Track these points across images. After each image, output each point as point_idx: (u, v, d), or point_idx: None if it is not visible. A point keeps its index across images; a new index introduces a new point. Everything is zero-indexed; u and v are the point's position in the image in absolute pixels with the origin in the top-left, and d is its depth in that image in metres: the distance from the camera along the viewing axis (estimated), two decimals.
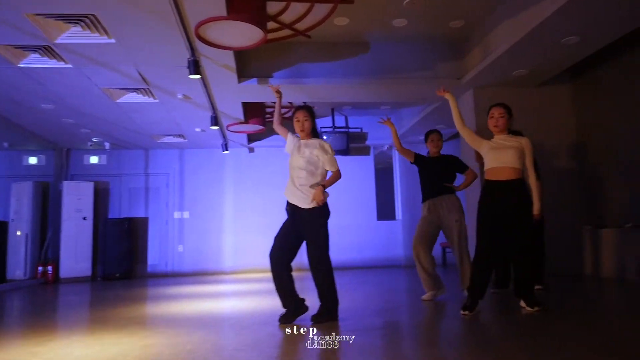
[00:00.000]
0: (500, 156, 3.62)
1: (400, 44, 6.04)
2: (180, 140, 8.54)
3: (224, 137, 8.30)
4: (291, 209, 3.46)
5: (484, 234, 3.59)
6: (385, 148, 9.84)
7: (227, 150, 8.46)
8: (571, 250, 5.98)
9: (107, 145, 8.56)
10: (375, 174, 9.73)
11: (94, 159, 9.05)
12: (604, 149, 6.07)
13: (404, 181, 9.58)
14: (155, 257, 9.00)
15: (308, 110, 3.52)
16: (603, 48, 5.21)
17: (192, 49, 4.57)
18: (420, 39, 5.98)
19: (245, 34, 4.33)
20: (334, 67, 6.05)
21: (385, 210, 9.80)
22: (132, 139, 8.36)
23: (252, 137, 8.97)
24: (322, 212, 3.41)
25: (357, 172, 9.56)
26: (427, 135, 4.71)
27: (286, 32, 5.15)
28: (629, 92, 5.74)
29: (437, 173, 4.54)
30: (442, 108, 7.18)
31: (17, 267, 8.12)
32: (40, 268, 8.16)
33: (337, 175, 3.48)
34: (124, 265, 8.47)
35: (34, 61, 4.84)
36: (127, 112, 6.67)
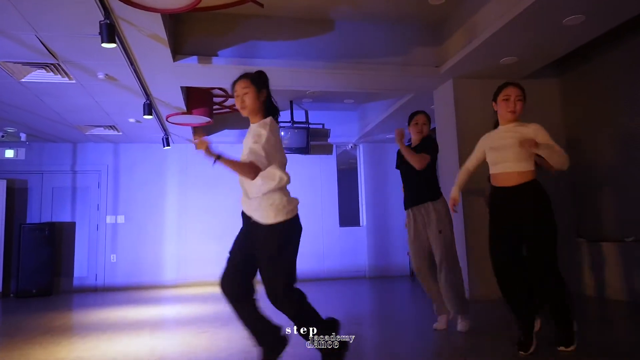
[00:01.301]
0: (499, 158, 2.84)
1: (370, 24, 5.12)
2: (113, 132, 7.32)
3: (165, 129, 7.15)
4: (245, 218, 2.50)
5: (494, 248, 2.83)
6: (349, 147, 8.94)
7: (168, 145, 7.30)
8: (567, 267, 5.21)
9: (22, 136, 7.22)
10: (337, 175, 8.81)
11: (8, 153, 7.63)
12: (595, 151, 5.36)
13: (370, 183, 8.71)
14: (82, 269, 7.72)
15: (248, 78, 2.53)
16: (592, 41, 4.50)
17: (106, 9, 3.47)
18: (394, 19, 5.09)
19: None
20: (293, 47, 5.06)
21: (348, 216, 8.89)
22: (53, 130, 7.08)
23: (198, 131, 7.84)
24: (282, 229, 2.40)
25: (318, 173, 8.62)
26: (410, 117, 3.79)
27: None
28: (622, 89, 5.04)
29: (415, 173, 3.60)
30: (414, 101, 6.33)
31: None
32: None
33: (244, 167, 2.27)
34: (42, 279, 7.15)
35: None
36: (38, 94, 5.43)
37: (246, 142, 2.46)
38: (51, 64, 4.63)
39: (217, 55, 4.81)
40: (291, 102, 7.83)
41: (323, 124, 8.37)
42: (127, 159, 8.05)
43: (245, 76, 2.53)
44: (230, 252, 2.48)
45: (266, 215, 2.37)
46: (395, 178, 8.82)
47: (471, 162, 3.15)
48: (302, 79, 5.43)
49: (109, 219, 7.88)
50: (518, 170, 2.78)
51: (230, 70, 4.92)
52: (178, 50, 4.64)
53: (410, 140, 3.87)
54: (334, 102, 7.85)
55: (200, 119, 6.58)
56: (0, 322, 5.26)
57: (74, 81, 5.05)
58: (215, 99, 6.78)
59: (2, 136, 7.16)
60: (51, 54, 4.32)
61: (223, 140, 8.13)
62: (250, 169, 2.27)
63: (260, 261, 2.39)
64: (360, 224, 8.76)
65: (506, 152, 2.81)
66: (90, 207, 7.88)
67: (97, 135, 7.44)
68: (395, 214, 8.48)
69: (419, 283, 3.86)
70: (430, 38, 5.28)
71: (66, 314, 5.54)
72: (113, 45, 3.53)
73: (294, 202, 2.47)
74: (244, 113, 2.53)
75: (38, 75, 4.91)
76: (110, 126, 7.02)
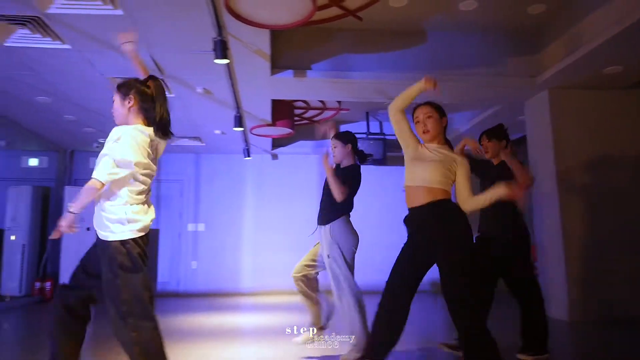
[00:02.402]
0: (417, 171, 2.48)
1: (463, 33, 5.03)
2: (197, 143, 7.59)
3: (246, 141, 7.34)
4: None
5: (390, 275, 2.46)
6: None
7: (249, 156, 7.48)
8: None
9: None
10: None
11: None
12: None
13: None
14: (165, 275, 8.02)
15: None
16: None
17: (220, 27, 3.60)
18: (489, 28, 4.97)
19: (288, 6, 3.36)
20: (383, 60, 5.06)
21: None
22: None
23: (276, 142, 7.98)
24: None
25: (393, 185, 8.52)
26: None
27: (332, 11, 4.17)
28: None
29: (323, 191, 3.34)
30: (503, 112, 6.16)
31: (12, 280, 7.21)
32: (37, 284, 7.22)
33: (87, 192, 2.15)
34: None
35: (23, 39, 3.91)
36: None
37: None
38: None
39: (310, 69, 4.88)
40: (367, 113, 7.83)
41: None
42: (208, 169, 8.31)
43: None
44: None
45: None
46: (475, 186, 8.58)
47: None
48: (390, 90, 5.39)
49: (190, 227, 8.16)
50: (430, 186, 2.42)
51: (325, 83, 4.99)
52: (275, 64, 4.74)
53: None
54: (411, 112, 7.76)
55: (282, 131, 6.70)
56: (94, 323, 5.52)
57: (173, 95, 5.28)
58: (296, 111, 6.88)
59: (96, 147, 7.61)
60: (159, 69, 4.54)
61: (298, 151, 8.24)
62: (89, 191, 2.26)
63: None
64: None
65: (426, 165, 2.46)
66: (173, 215, 8.18)
67: (181, 146, 7.74)
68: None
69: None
70: (525, 47, 5.11)
71: (162, 318, 5.75)
72: (226, 61, 3.67)
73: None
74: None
75: None
76: (196, 137, 7.28)
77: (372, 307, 2.54)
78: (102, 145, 7.82)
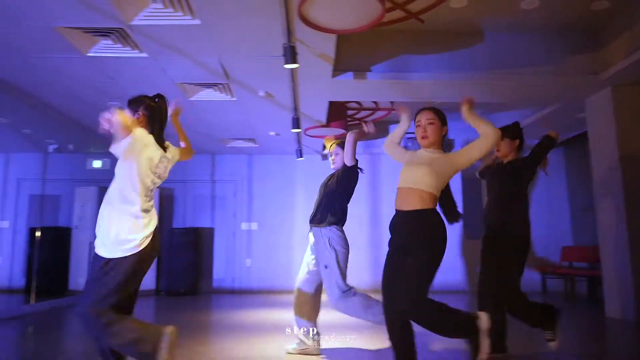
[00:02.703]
0: (407, 173, 2.54)
1: (522, 31, 5.01)
2: (251, 145, 7.82)
3: (299, 142, 7.50)
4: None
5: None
6: None
7: (301, 156, 7.65)
8: None
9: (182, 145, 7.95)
10: (462, 187, 8.64)
11: None
12: None
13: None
14: (220, 272, 8.30)
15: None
16: None
17: (289, 33, 3.75)
18: (549, 26, 4.93)
19: (357, 11, 3.46)
20: (440, 61, 5.10)
21: (475, 228, 8.67)
22: (200, 143, 7.71)
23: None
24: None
25: None
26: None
27: (395, 14, 4.25)
28: None
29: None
30: (561, 111, 6.08)
31: (80, 275, 7.63)
32: None
33: None
34: (189, 280, 7.80)
35: (105, 49, 4.19)
36: (200, 112, 5.98)
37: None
38: (221, 83, 5.08)
39: (370, 71, 4.98)
40: (416, 114, 7.85)
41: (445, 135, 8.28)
42: (261, 169, 8.54)
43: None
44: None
45: None
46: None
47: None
48: (447, 90, 5.41)
49: (244, 226, 8.40)
50: (417, 188, 2.47)
51: (383, 85, 5.08)
52: (335, 67, 4.86)
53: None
54: (459, 112, 7.74)
55: (336, 131, 6.82)
56: (154, 317, 5.79)
57: (235, 99, 5.49)
58: (349, 112, 6.99)
59: None
60: (225, 74, 4.74)
61: None
62: None
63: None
64: None
65: (417, 169, 2.52)
66: (227, 214, 8.45)
67: (236, 147, 7.99)
68: None
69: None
70: (587, 44, 5.04)
71: (214, 312, 6.00)
72: (296, 65, 3.79)
73: None
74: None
75: (206, 95, 5.40)
76: (250, 139, 7.50)
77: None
78: None
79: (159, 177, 2.53)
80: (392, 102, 6.69)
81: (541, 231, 8.25)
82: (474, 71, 5.11)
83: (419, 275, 2.37)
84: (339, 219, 3.44)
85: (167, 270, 7.90)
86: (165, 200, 8.37)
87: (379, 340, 3.73)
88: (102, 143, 7.96)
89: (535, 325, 3.22)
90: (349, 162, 3.38)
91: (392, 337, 2.46)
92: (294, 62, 3.78)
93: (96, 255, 2.29)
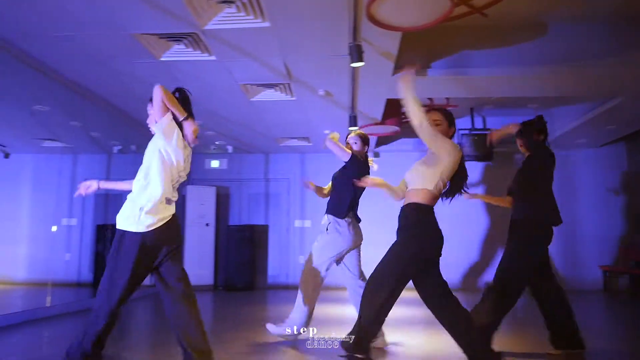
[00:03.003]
0: (409, 177, 2.85)
1: (587, 22, 4.88)
2: (304, 143, 7.95)
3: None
4: None
5: None
6: None
7: None
8: None
9: (229, 148, 8.21)
10: None
11: (214, 163, 8.76)
12: None
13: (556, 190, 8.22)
14: (275, 268, 8.49)
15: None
16: None
17: (356, 32, 3.83)
18: (616, 15, 4.78)
19: (426, 8, 3.51)
20: (501, 55, 5.04)
21: None
22: (255, 142, 7.92)
23: (380, 140, 8.15)
24: None
25: (498, 181, 8.37)
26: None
27: (457, 10, 4.25)
28: None
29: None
30: (622, 106, 5.88)
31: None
32: None
33: None
34: (245, 276, 8.03)
35: (177, 53, 4.39)
36: (260, 112, 6.15)
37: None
38: (282, 84, 5.21)
39: (430, 67, 4.99)
40: (472, 109, 7.77)
41: None
42: (313, 167, 8.66)
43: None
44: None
45: None
46: (583, 183, 8.23)
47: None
48: (507, 85, 5.35)
49: (297, 223, 8.56)
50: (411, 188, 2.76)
51: (443, 81, 5.08)
52: (396, 65, 4.90)
53: None
54: (515, 107, 7.61)
55: (390, 129, 6.85)
56: (214, 312, 6.00)
57: (294, 98, 5.62)
58: (403, 109, 6.99)
59: (213, 148, 8.23)
60: (288, 74, 4.87)
61: (400, 149, 8.36)
62: None
63: None
64: None
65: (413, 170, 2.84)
66: (281, 212, 8.63)
67: (289, 146, 8.14)
68: (585, 220, 7.92)
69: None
70: None
71: (271, 307, 6.16)
72: (361, 64, 3.87)
73: None
74: None
75: (267, 95, 5.56)
76: (304, 137, 7.63)
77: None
78: (218, 147, 8.44)
79: (184, 169, 2.66)
80: (447, 98, 6.66)
81: (601, 228, 8.02)
82: (536, 65, 5.02)
83: (384, 261, 2.63)
84: (338, 209, 3.76)
85: (225, 266, 8.16)
86: (222, 199, 8.64)
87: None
88: None
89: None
90: (342, 158, 3.83)
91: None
92: (360, 60, 3.85)
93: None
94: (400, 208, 2.76)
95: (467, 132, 7.80)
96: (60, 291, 6.65)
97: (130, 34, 3.97)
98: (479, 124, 8.04)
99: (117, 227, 2.46)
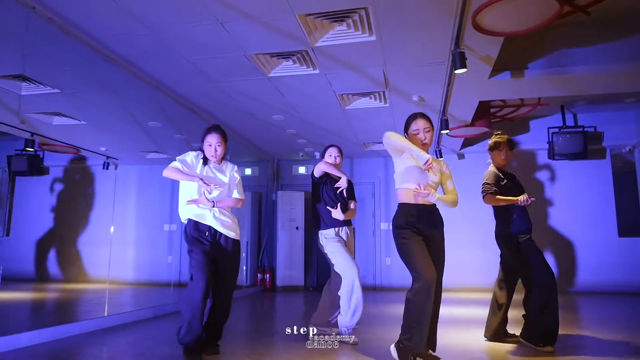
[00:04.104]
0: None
1: None
2: None
3: (438, 142, 7.63)
4: None
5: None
6: (627, 149, 8.17)
7: (441, 157, 7.76)
8: None
9: (317, 154, 8.53)
10: (613, 181, 8.13)
11: (301, 169, 9.15)
12: None
13: None
14: (362, 269, 8.66)
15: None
16: None
17: (458, 40, 3.96)
18: None
19: (534, 11, 3.58)
20: (604, 51, 4.94)
21: (628, 225, 8.11)
22: (343, 147, 8.17)
23: (465, 142, 8.14)
24: None
25: (592, 179, 8.10)
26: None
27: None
28: None
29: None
30: None
31: (240, 273, 8.49)
32: (259, 275, 8.42)
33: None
34: None
35: (284, 69, 4.73)
36: (351, 119, 6.40)
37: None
38: (378, 92, 5.42)
39: (527, 68, 5.00)
40: (562, 106, 7.59)
41: (595, 127, 7.88)
42: None
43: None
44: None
45: None
46: None
47: None
48: (616, 82, 5.21)
49: (383, 226, 8.73)
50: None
51: (540, 81, 5.07)
52: (494, 67, 4.95)
53: None
54: (611, 102, 7.34)
55: (479, 130, 6.86)
56: (300, 311, 6.25)
57: (387, 105, 5.81)
58: (492, 110, 6.98)
59: (302, 155, 8.59)
60: (385, 83, 5.07)
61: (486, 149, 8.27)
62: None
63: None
64: None
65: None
66: (367, 215, 8.84)
67: (373, 150, 8.34)
68: None
69: None
70: None
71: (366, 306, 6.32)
72: (464, 70, 3.99)
73: None
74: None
75: (361, 103, 5.79)
76: None
77: None
78: (306, 154, 8.81)
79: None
80: (539, 98, 6.57)
81: None
82: (635, 60, 4.88)
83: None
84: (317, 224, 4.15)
85: (314, 268, 8.48)
86: (310, 204, 8.97)
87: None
88: (250, 154, 8.78)
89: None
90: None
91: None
92: (463, 67, 3.97)
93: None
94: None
95: (557, 130, 7.63)
96: (163, 292, 7.27)
97: (248, 54, 4.35)
98: (570, 121, 7.84)
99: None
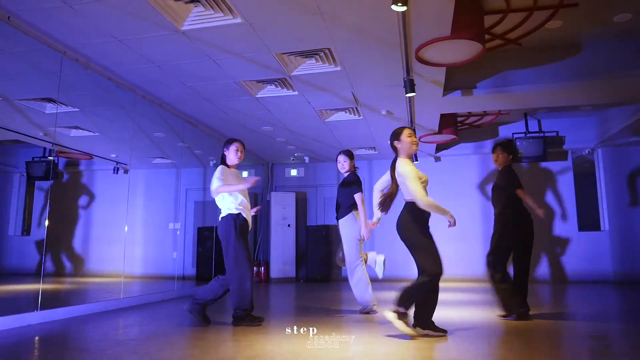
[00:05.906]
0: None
1: (617, 40, 5.53)
2: (371, 152, 9.00)
3: None
4: None
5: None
6: (586, 152, 9.02)
7: (417, 160, 8.63)
8: None
9: (306, 159, 9.43)
10: (574, 180, 8.99)
11: (293, 172, 10.05)
12: None
13: (611, 188, 8.67)
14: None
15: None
16: None
17: (408, 69, 4.84)
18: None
19: (462, 50, 4.45)
20: (541, 72, 5.81)
21: (587, 220, 8.97)
22: (327, 153, 9.08)
23: (440, 146, 9.02)
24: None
25: (554, 179, 8.95)
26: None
27: (496, 41, 5.14)
28: None
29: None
30: None
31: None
32: (255, 269, 9.34)
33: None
34: (322, 269, 9.21)
35: (269, 92, 5.63)
36: (332, 129, 7.29)
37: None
38: (351, 107, 6.32)
39: (475, 87, 5.87)
40: (525, 114, 8.44)
41: (557, 132, 8.72)
42: (379, 173, 9.64)
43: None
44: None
45: None
46: None
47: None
48: (549, 98, 6.07)
49: None
50: None
51: (488, 98, 5.94)
52: (446, 87, 5.83)
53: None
54: (570, 110, 8.18)
55: (447, 137, 7.74)
56: (294, 298, 7.16)
57: (361, 117, 6.70)
58: (459, 118, 7.85)
59: (292, 159, 9.49)
60: (355, 100, 5.96)
61: (460, 153, 9.17)
62: None
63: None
64: (602, 228, 8.76)
65: None
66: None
67: (358, 154, 9.21)
68: None
69: None
70: None
71: (345, 294, 7.21)
72: (413, 94, 4.88)
73: None
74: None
75: (339, 116, 6.69)
76: (371, 147, 8.68)
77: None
78: (297, 158, 9.78)
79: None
80: (500, 111, 7.43)
81: None
82: (571, 80, 5.73)
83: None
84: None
85: (305, 261, 9.38)
86: (300, 203, 9.89)
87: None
88: (246, 159, 9.66)
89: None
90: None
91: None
92: (412, 91, 4.86)
93: None
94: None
95: (522, 135, 8.49)
96: (169, 283, 8.18)
97: (237, 81, 5.25)
98: (535, 126, 8.68)
99: None
